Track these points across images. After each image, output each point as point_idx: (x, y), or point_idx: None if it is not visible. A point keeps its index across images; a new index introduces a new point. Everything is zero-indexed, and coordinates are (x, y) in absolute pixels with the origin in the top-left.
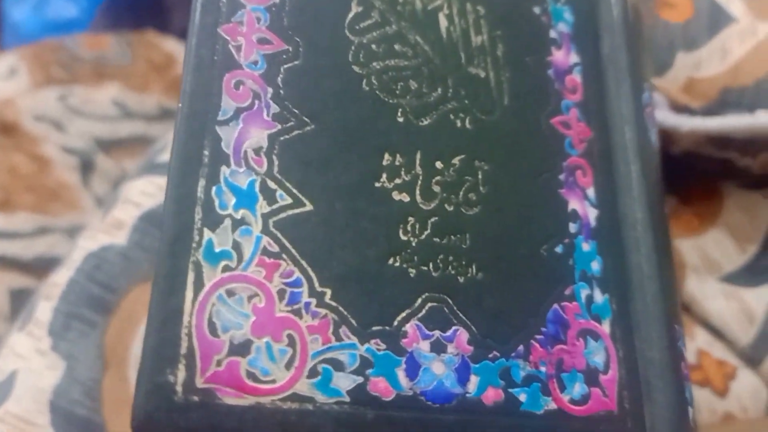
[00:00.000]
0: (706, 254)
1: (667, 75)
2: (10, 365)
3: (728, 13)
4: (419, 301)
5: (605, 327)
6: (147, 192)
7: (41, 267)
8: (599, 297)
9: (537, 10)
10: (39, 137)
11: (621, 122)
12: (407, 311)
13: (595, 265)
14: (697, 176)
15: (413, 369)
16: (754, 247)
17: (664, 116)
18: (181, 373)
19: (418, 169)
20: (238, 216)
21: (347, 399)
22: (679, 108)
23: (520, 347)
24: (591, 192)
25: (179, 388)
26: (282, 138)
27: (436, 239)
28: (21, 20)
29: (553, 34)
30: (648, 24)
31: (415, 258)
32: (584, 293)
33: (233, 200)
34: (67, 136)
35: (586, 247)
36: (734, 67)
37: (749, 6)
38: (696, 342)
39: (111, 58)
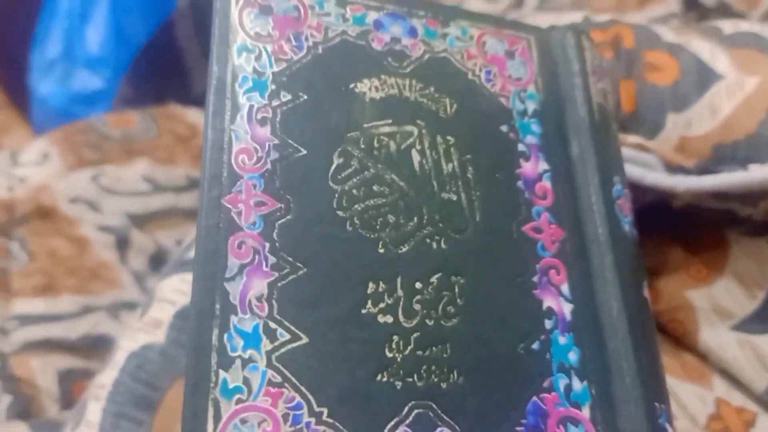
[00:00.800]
0: (717, 303)
1: (660, 136)
2: None
3: (715, 71)
4: (406, 409)
5: (585, 412)
6: (180, 290)
7: (87, 346)
8: (578, 385)
9: (504, 128)
10: (76, 219)
11: (592, 218)
12: (396, 419)
13: (573, 356)
14: (702, 225)
15: None
16: (763, 293)
17: (660, 178)
18: None
19: (400, 292)
20: (246, 356)
21: None
22: (673, 168)
23: None
24: (565, 288)
25: None
26: (279, 284)
27: (419, 352)
28: (48, 94)
29: (521, 147)
30: (637, 89)
31: (401, 372)
32: (563, 383)
33: (241, 343)
34: (102, 216)
35: (562, 340)
36: (725, 123)
37: (734, 62)
38: (714, 391)
39: (137, 134)
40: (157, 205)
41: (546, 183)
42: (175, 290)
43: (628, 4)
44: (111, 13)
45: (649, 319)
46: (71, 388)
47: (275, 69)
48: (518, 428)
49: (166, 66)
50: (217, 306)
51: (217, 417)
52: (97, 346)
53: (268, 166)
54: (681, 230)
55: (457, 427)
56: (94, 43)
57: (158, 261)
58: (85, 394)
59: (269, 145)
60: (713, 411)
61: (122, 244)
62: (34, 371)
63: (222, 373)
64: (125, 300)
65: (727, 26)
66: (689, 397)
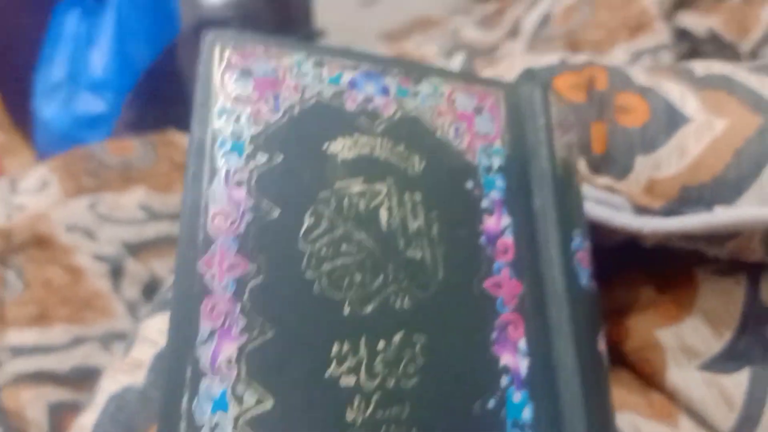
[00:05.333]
0: (685, 342)
1: (629, 178)
2: None
3: (683, 114)
4: None
5: None
6: (162, 330)
7: (77, 378)
8: None
9: (470, 184)
10: (72, 248)
11: (551, 272)
12: None
13: (526, 413)
14: (673, 263)
15: None
16: (730, 332)
17: (628, 220)
18: None
19: (363, 352)
20: (214, 422)
21: None
22: (641, 210)
23: None
24: (522, 343)
25: None
26: (249, 347)
27: (380, 413)
28: (51, 117)
29: (485, 203)
30: (608, 131)
31: None
32: None
33: (209, 408)
34: (97, 244)
35: (517, 397)
36: (692, 165)
37: (703, 103)
38: (680, 431)
39: (136, 161)
40: (152, 234)
41: (508, 238)
42: (158, 330)
43: (618, 35)
44: (115, 37)
45: (603, 372)
46: (61, 421)
47: (253, 131)
48: None
49: (168, 90)
50: (189, 371)
51: None
52: (87, 378)
53: (242, 228)
54: (652, 268)
55: None
56: (98, 66)
57: (152, 290)
58: None
59: (244, 207)
60: None
61: (116, 273)
62: (25, 403)
63: None
64: (117, 330)
65: (700, 67)
66: None
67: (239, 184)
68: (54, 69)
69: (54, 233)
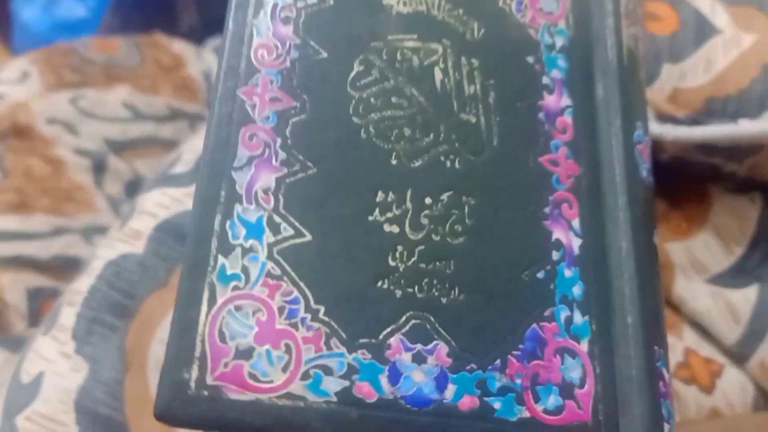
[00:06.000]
0: (695, 256)
1: (654, 86)
2: (36, 368)
3: (713, 25)
4: (403, 318)
5: (583, 346)
6: (162, 203)
7: (58, 266)
8: (579, 318)
9: (530, 59)
10: (52, 140)
11: (611, 159)
12: (392, 327)
13: (576, 289)
14: (686, 180)
15: (395, 376)
16: (741, 249)
17: (651, 126)
18: (195, 372)
19: (408, 204)
20: (248, 245)
21: (334, 399)
22: (663, 117)
23: (497, 361)
24: (576, 223)
25: (192, 384)
26: (288, 180)
27: (422, 265)
28: (30, 20)
29: (545, 80)
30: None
31: (402, 281)
32: (564, 315)
33: (243, 232)
34: (79, 139)
35: (568, 273)
36: (718, 77)
37: (733, 18)
38: (684, 341)
39: (120, 60)
40: (136, 133)
41: (567, 118)
42: (157, 204)
43: None
44: None
45: (656, 264)
46: (39, 307)
47: None
48: (515, 352)
49: None
50: (223, 193)
51: (212, 301)
52: (68, 267)
53: (287, 63)
54: (665, 184)
55: (453, 342)
56: None
57: (134, 188)
58: (59, 301)
59: (290, 43)
60: (681, 359)
61: (99, 168)
62: (3, 287)
63: (221, 259)
64: (99, 224)
65: None
66: None
67: (286, 21)
68: None
69: (34, 124)
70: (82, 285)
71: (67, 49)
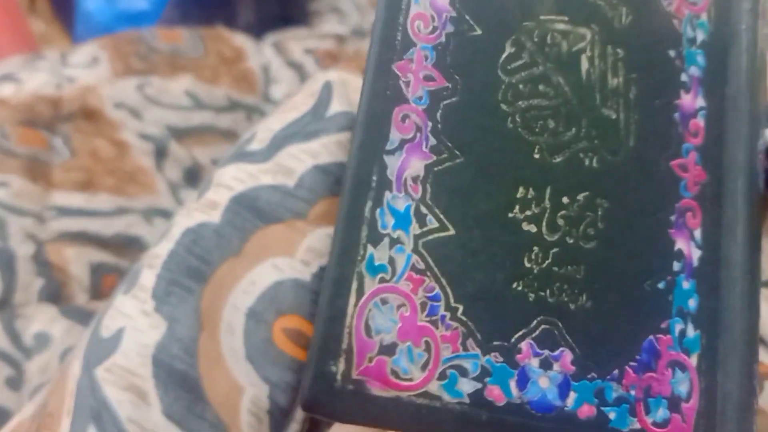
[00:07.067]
0: None
1: None
2: (117, 323)
3: None
4: (535, 322)
5: (693, 360)
6: (238, 177)
7: (119, 244)
8: (691, 332)
9: (672, 53)
10: (118, 123)
11: (735, 168)
12: (523, 330)
13: (692, 303)
14: None
15: (523, 381)
16: None
17: None
18: (342, 365)
19: (547, 203)
20: (395, 235)
21: (467, 401)
22: None
23: (616, 371)
24: (698, 233)
25: (339, 377)
26: (436, 168)
27: (555, 268)
28: (94, 10)
29: (684, 77)
30: None
31: (536, 284)
32: (678, 328)
33: (392, 221)
34: (143, 124)
35: (686, 285)
36: None
37: None
38: None
39: (184, 50)
40: (196, 121)
41: (700, 121)
42: (233, 177)
43: None
44: None
45: (759, 279)
46: (101, 281)
47: None
48: (632, 363)
49: None
50: (374, 178)
51: (360, 292)
52: (128, 246)
53: (442, 38)
54: None
55: (577, 350)
56: None
57: (193, 175)
58: (139, 263)
59: (446, 16)
60: None
61: (160, 153)
62: (68, 260)
63: (370, 248)
64: (159, 206)
65: None
66: None
67: None
68: None
69: (102, 107)
70: (162, 249)
71: (135, 37)
